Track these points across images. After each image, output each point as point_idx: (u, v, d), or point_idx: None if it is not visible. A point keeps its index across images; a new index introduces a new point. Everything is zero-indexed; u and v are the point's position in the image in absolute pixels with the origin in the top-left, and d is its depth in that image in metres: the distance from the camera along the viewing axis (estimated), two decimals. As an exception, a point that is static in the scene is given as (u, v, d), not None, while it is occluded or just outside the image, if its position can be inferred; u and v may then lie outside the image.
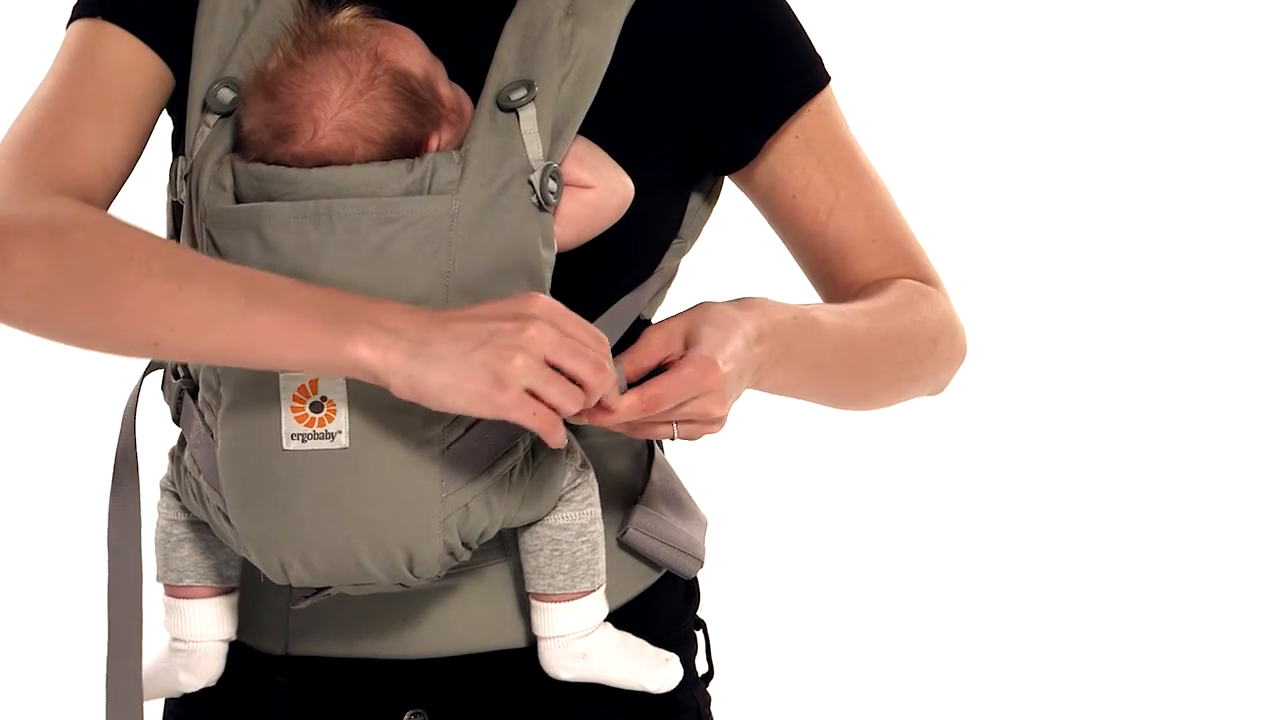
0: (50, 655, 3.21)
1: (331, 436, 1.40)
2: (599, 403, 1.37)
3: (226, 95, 1.48)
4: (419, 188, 1.41)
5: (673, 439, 1.43)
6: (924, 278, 1.64)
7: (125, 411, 1.57)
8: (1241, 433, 3.47)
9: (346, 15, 1.44)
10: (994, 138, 3.49)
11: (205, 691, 1.54)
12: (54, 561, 3.23)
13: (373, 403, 1.39)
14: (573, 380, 1.34)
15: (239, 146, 1.46)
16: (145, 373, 1.56)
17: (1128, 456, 3.45)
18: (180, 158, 1.51)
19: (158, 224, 1.57)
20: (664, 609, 1.60)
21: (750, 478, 3.32)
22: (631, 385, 1.40)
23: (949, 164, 3.44)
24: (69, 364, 2.40)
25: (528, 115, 1.44)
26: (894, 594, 3.38)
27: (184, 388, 1.50)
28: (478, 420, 1.40)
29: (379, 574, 1.42)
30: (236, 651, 1.54)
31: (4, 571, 3.31)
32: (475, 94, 1.47)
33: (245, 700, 1.57)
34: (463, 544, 1.43)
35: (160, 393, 1.54)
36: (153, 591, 1.53)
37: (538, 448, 1.45)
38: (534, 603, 1.50)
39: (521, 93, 1.44)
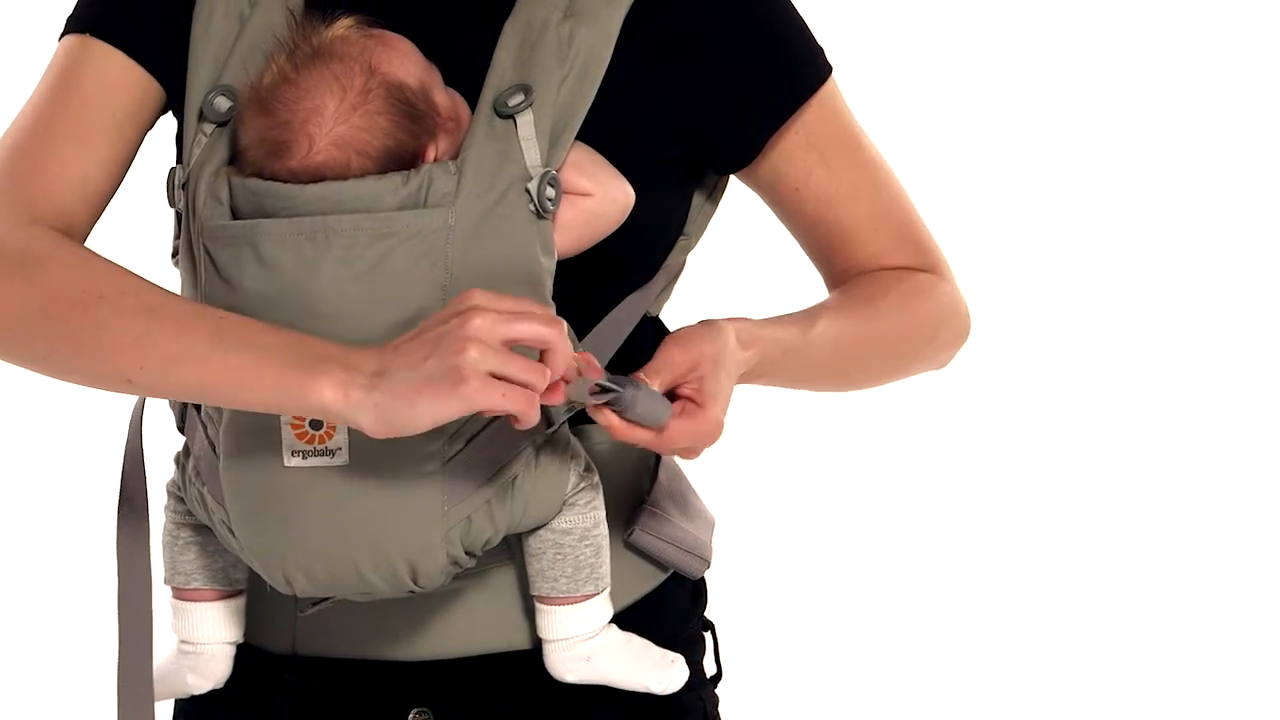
0: (62, 657, 3.24)
1: (332, 453, 1.40)
2: (619, 413, 1.37)
3: (223, 104, 1.47)
4: (415, 201, 1.40)
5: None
6: (928, 263, 1.64)
7: (132, 415, 1.58)
8: (1240, 427, 3.46)
9: (340, 26, 1.43)
10: (994, 129, 3.47)
11: (214, 691, 1.55)
12: (66, 564, 3.26)
13: None
14: (532, 343, 1.33)
15: (235, 159, 1.46)
16: None
17: (1145, 460, 3.45)
18: (178, 166, 1.50)
19: (158, 223, 1.57)
20: (671, 610, 1.60)
21: (757, 478, 3.32)
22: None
23: (949, 155, 3.42)
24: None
25: (525, 121, 1.43)
26: (903, 594, 3.37)
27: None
28: (478, 433, 1.40)
29: (383, 586, 1.43)
30: (244, 651, 1.55)
31: (17, 574, 3.34)
32: (474, 97, 1.46)
33: (253, 699, 1.58)
34: (466, 553, 1.44)
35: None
36: (162, 593, 1.54)
37: (541, 455, 1.45)
38: (538, 605, 1.50)
39: (519, 98, 1.43)
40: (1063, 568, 3.39)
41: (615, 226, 1.47)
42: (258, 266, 1.40)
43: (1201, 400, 3.46)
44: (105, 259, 1.42)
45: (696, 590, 1.64)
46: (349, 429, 1.39)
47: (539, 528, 1.48)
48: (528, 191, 1.41)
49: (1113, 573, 3.39)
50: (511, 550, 1.51)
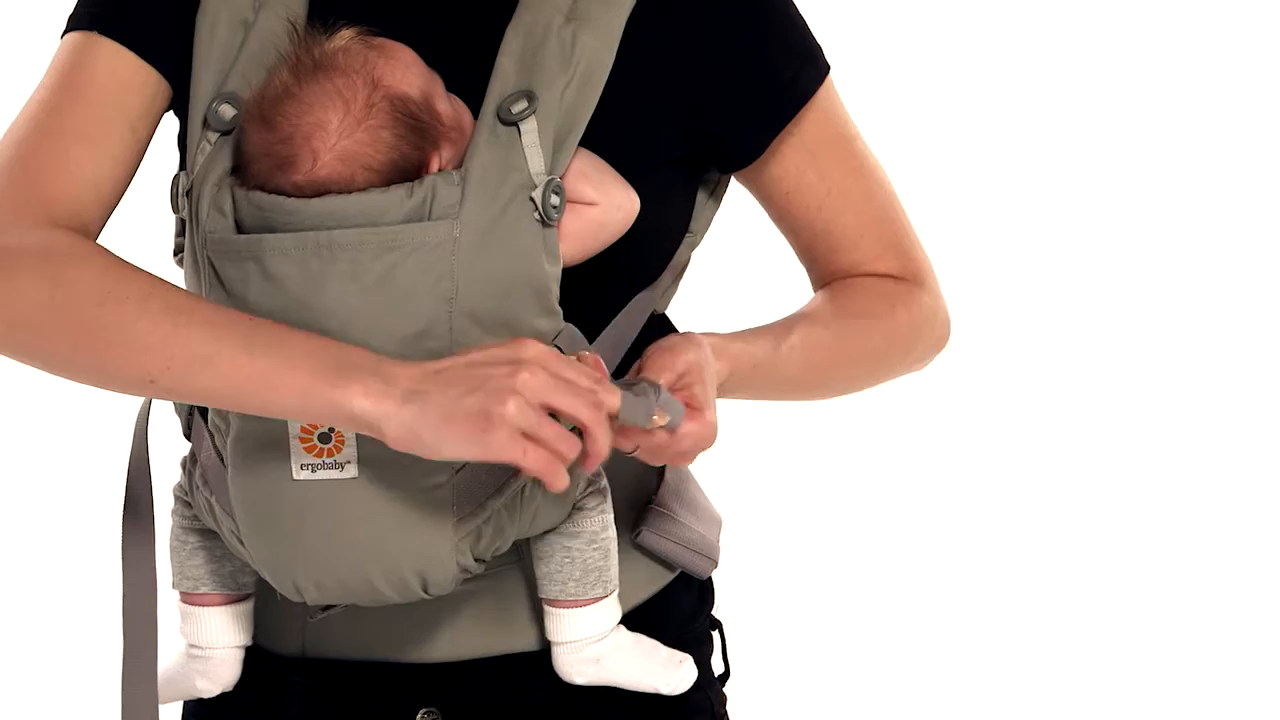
0: (67, 661, 3.25)
1: (341, 466, 1.40)
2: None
3: (227, 112, 1.46)
4: (419, 214, 1.39)
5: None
6: (912, 271, 1.63)
7: (137, 420, 1.57)
8: (1237, 427, 3.47)
9: (341, 38, 1.42)
10: (989, 129, 3.47)
11: (222, 693, 1.56)
12: (71, 568, 3.26)
13: None
14: (570, 419, 1.32)
15: (238, 170, 1.45)
16: None
17: (1149, 461, 3.46)
18: (182, 172, 1.49)
19: (158, 223, 1.57)
20: (678, 610, 1.61)
21: (764, 477, 3.32)
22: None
23: (944, 157, 3.42)
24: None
25: (529, 128, 1.42)
26: (910, 594, 3.38)
27: (194, 405, 1.50)
28: None
29: (393, 595, 1.43)
30: (253, 653, 1.56)
31: (22, 578, 3.34)
32: (477, 100, 1.45)
33: (261, 701, 1.58)
34: (476, 560, 1.44)
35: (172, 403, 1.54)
36: (168, 596, 1.54)
37: None
38: (547, 608, 1.51)
39: (522, 105, 1.42)
40: (1071, 566, 3.40)
41: (620, 234, 1.47)
42: (263, 281, 1.40)
43: (1198, 401, 3.47)
44: (127, 261, 1.41)
45: (703, 590, 1.64)
46: (358, 442, 1.39)
47: (547, 532, 1.48)
48: (532, 200, 1.41)
49: (1122, 576, 3.41)
50: (520, 553, 1.51)
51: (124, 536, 1.55)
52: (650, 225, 1.49)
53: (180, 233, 1.53)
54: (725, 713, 1.64)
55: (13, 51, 2.78)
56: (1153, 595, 3.39)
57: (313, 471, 1.40)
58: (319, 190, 1.40)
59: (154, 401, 1.57)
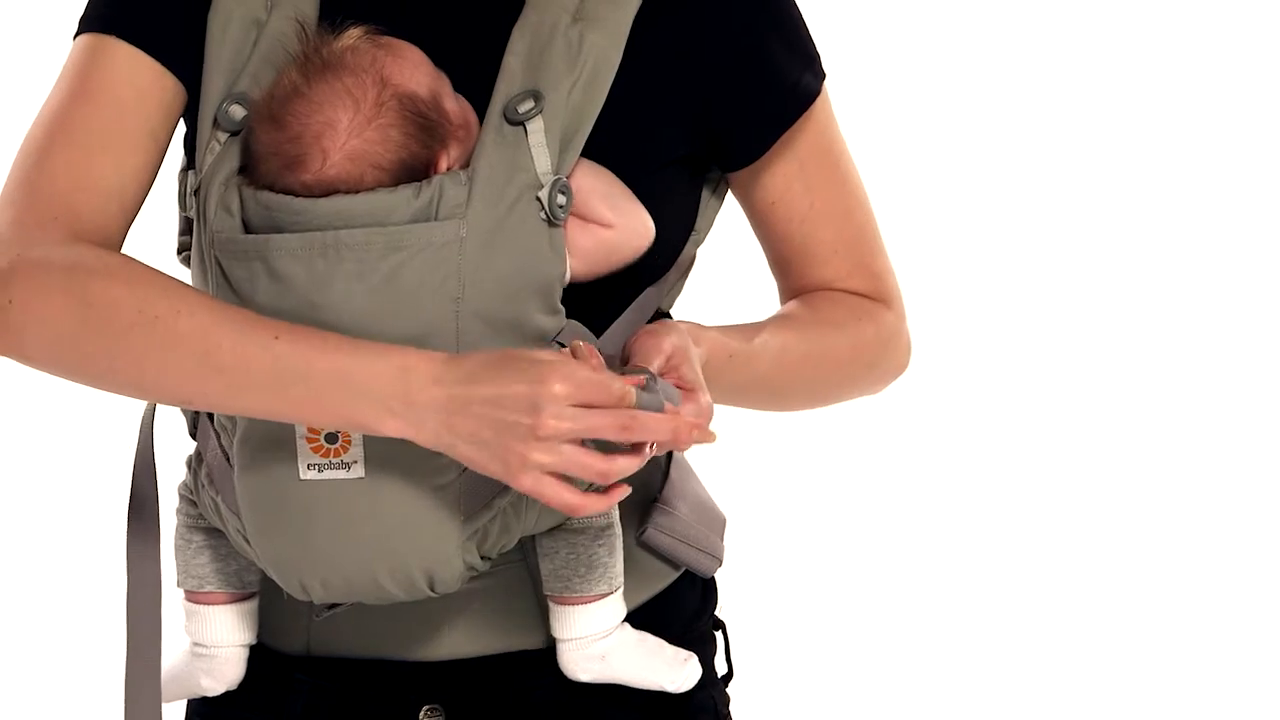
0: (71, 659, 3.25)
1: (347, 466, 1.40)
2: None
3: (237, 112, 1.46)
4: (426, 213, 1.39)
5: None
6: (880, 292, 1.63)
7: (143, 419, 1.58)
8: (1230, 434, 3.48)
9: (349, 37, 1.42)
10: (982, 136, 3.47)
11: (227, 691, 1.56)
12: (76, 566, 3.26)
13: None
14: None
15: (245, 168, 1.45)
16: None
17: (1151, 462, 3.47)
18: (190, 171, 1.49)
19: (159, 222, 1.57)
20: (682, 608, 1.60)
21: (769, 476, 3.32)
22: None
23: (937, 163, 3.42)
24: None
25: (535, 128, 1.43)
26: (913, 593, 3.38)
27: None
28: None
29: (399, 593, 1.44)
30: (257, 651, 1.56)
31: (28, 577, 3.34)
32: (484, 100, 1.45)
33: (266, 699, 1.58)
34: (483, 558, 1.44)
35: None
36: (173, 594, 1.54)
37: None
38: (551, 604, 1.51)
39: (529, 104, 1.43)
40: (1073, 565, 3.40)
41: (633, 259, 1.47)
42: (270, 281, 1.40)
43: (1190, 405, 3.48)
44: (153, 270, 1.42)
45: (707, 589, 1.64)
46: (364, 443, 1.40)
47: (553, 528, 1.49)
48: (539, 200, 1.41)
49: (1121, 576, 3.41)
50: (525, 550, 1.51)
51: (129, 535, 1.55)
52: (658, 222, 1.49)
53: (185, 231, 1.53)
54: (728, 713, 1.63)
55: (14, 52, 2.78)
56: (1152, 595, 3.40)
57: (319, 471, 1.40)
58: (328, 189, 1.40)
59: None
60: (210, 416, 1.48)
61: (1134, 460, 3.46)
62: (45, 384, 1.62)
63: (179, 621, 1.55)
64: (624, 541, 1.52)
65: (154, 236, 1.59)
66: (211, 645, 1.54)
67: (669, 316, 1.62)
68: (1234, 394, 3.49)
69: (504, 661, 1.54)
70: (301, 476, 1.41)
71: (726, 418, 1.47)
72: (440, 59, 1.46)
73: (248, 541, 1.46)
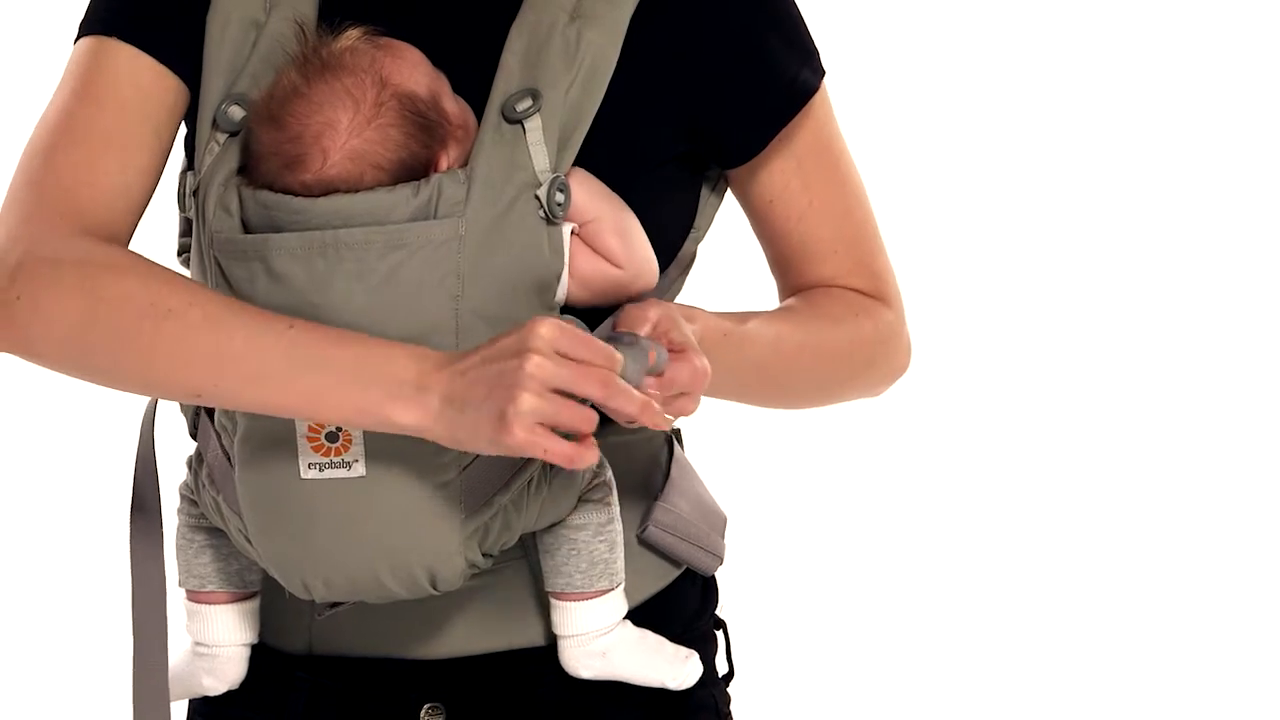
0: (77, 660, 3.25)
1: (348, 465, 1.40)
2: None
3: (237, 113, 1.46)
4: (425, 212, 1.40)
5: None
6: (880, 291, 1.63)
7: (144, 418, 1.58)
8: (1228, 435, 3.49)
9: (348, 37, 1.42)
10: (983, 136, 3.48)
11: (228, 690, 1.56)
12: (79, 567, 3.27)
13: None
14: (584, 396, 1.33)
15: (244, 169, 1.45)
16: None
17: (1151, 462, 3.47)
18: (190, 172, 1.50)
19: (160, 222, 1.58)
20: (683, 607, 1.61)
21: (770, 474, 3.32)
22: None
23: (938, 162, 3.42)
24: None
25: (534, 126, 1.43)
26: (914, 592, 3.38)
27: (200, 405, 1.50)
28: None
29: (401, 592, 1.44)
30: (259, 650, 1.56)
31: (31, 578, 3.34)
32: (482, 99, 1.45)
33: (267, 698, 1.58)
34: (483, 556, 1.45)
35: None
36: (175, 595, 1.55)
37: None
38: (553, 601, 1.51)
39: (527, 103, 1.43)
40: (1074, 564, 3.41)
41: (629, 298, 1.47)
42: (269, 281, 1.40)
43: (1194, 401, 3.49)
44: (162, 266, 1.42)
45: (707, 588, 1.64)
46: (365, 441, 1.40)
47: (554, 524, 1.49)
48: (537, 198, 1.42)
49: (1121, 576, 3.41)
50: (525, 547, 1.52)
51: (132, 535, 1.55)
52: (656, 219, 1.50)
53: (185, 232, 1.54)
54: (729, 712, 1.64)
55: (15, 52, 2.79)
56: (1152, 595, 3.40)
57: (320, 470, 1.41)
58: (328, 189, 1.41)
59: (160, 400, 1.58)
60: (211, 417, 1.48)
61: (1134, 460, 3.46)
62: (47, 384, 1.62)
63: (181, 621, 1.55)
64: (625, 539, 1.52)
65: (155, 237, 1.60)
66: (213, 645, 1.54)
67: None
68: (1234, 394, 3.49)
69: (505, 659, 1.54)
70: (302, 475, 1.41)
71: (728, 416, 1.47)
72: (439, 59, 1.46)
73: (249, 541, 1.46)
